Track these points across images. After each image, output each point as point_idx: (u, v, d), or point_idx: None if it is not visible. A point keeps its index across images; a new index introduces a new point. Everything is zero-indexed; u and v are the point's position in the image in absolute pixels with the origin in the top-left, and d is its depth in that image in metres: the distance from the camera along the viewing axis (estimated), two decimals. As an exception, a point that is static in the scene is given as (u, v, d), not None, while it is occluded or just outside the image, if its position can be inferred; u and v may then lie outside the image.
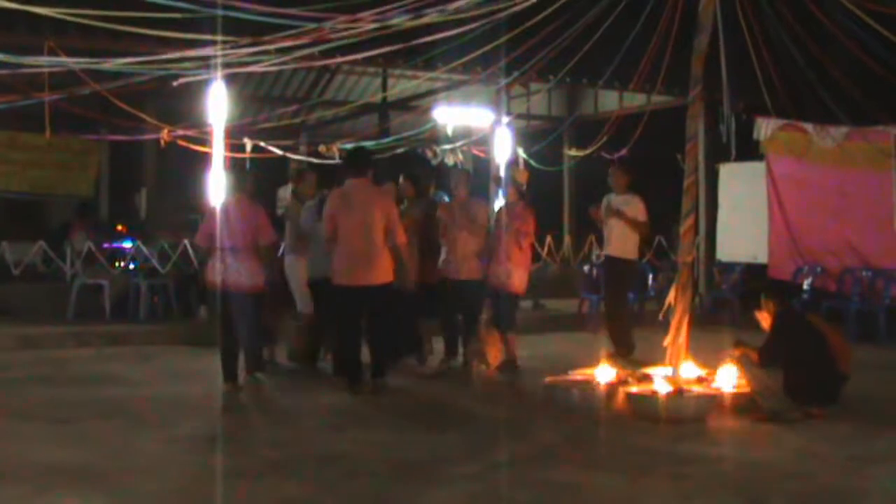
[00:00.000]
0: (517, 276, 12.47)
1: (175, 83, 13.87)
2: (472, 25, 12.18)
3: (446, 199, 13.27)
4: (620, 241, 13.08)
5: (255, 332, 11.33)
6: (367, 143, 18.61)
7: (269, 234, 11.28)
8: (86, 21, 10.82)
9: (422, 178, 13.22)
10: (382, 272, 10.94)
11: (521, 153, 20.04)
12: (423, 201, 12.86)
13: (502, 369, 12.33)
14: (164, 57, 12.41)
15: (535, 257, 17.95)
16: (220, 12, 11.07)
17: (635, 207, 13.02)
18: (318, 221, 11.70)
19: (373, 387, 10.86)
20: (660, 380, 10.05)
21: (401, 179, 12.92)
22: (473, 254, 12.37)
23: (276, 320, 12.50)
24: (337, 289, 10.99)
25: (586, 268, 19.21)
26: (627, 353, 12.75)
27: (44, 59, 13.05)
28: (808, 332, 10.06)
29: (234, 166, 12.80)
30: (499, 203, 14.62)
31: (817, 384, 9.70)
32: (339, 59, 14.48)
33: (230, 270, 11.03)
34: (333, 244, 10.98)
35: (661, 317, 10.88)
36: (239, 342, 11.16)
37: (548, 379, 10.67)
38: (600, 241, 19.75)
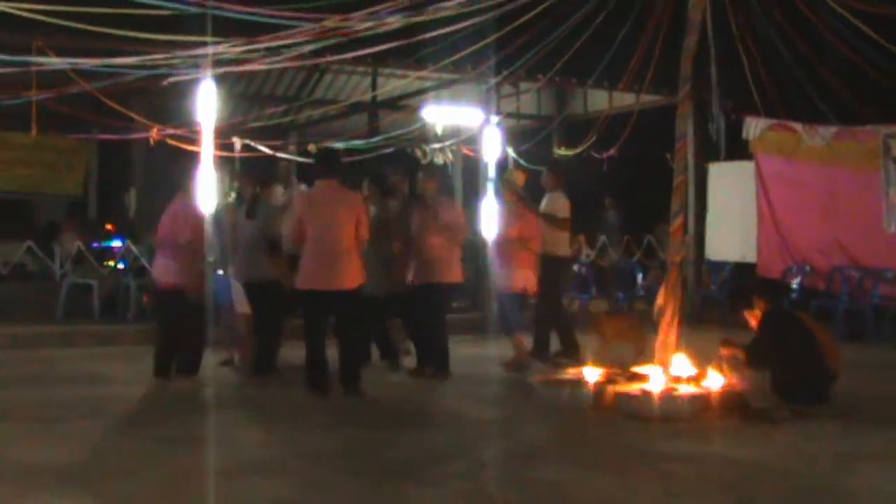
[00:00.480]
0: (519, 276, 12.46)
1: (164, 82, 13.86)
2: (462, 24, 12.17)
3: None
4: (547, 239, 13.27)
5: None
6: (357, 143, 18.62)
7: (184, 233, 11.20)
8: (71, 24, 10.79)
9: (390, 176, 13.10)
10: (351, 276, 10.73)
11: (511, 152, 20.04)
12: (389, 201, 12.77)
13: (512, 368, 12.31)
14: (153, 56, 12.40)
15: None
16: (209, 11, 11.05)
17: (554, 204, 13.19)
18: (250, 221, 11.82)
19: (348, 396, 10.59)
20: (649, 379, 10.06)
21: (365, 185, 12.83)
22: (439, 257, 12.08)
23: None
24: (304, 293, 10.76)
25: (575, 267, 19.22)
26: (572, 354, 12.94)
27: (36, 59, 13.05)
28: (796, 330, 10.09)
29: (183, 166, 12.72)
30: (490, 203, 14.64)
31: (805, 382, 9.74)
32: (329, 59, 14.47)
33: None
34: (299, 247, 10.77)
35: (653, 319, 10.88)
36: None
37: (536, 377, 10.67)
38: (589, 241, 19.90)
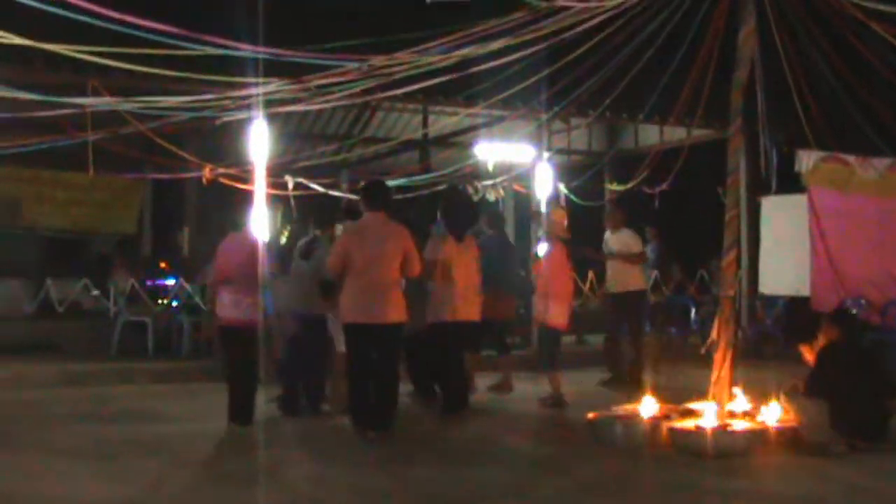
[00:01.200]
0: (555, 311, 12.45)
1: (217, 122, 13.99)
2: (512, 56, 12.17)
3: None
4: (620, 275, 13.80)
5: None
6: (410, 180, 18.67)
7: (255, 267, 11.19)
8: (128, 66, 10.92)
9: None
10: (397, 310, 10.64)
11: (563, 188, 20.02)
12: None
13: (547, 404, 12.31)
14: (205, 97, 12.52)
15: (578, 292, 17.90)
16: (261, 55, 11.15)
17: (627, 240, 13.84)
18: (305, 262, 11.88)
19: (378, 433, 10.42)
20: (704, 414, 10.00)
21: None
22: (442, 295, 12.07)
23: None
24: (348, 326, 10.65)
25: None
26: (621, 382, 13.03)
27: (87, 100, 13.21)
28: (857, 363, 9.99)
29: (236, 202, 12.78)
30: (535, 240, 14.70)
31: (863, 417, 9.63)
32: (379, 96, 14.51)
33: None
34: (340, 278, 10.68)
35: (703, 351, 10.83)
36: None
37: (590, 414, 10.60)
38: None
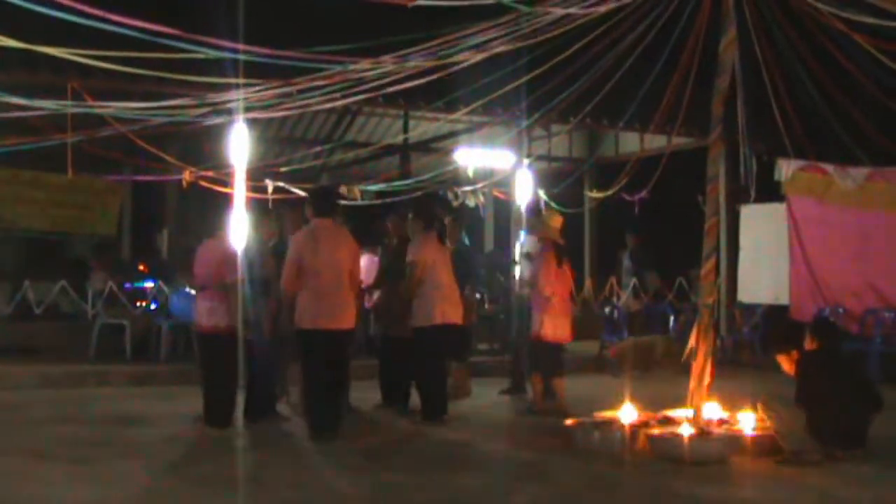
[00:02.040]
0: (544, 323, 12.42)
1: (200, 124, 13.96)
2: (494, 51, 12.15)
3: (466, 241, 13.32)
4: None
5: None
6: (390, 185, 18.66)
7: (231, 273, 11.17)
8: (108, 66, 10.88)
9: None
10: (351, 316, 10.74)
11: (542, 195, 20.04)
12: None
13: (550, 413, 12.26)
14: (185, 102, 12.49)
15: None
16: (241, 57, 11.12)
17: None
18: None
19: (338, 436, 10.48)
20: (682, 422, 10.03)
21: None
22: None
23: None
24: (306, 333, 10.61)
25: (607, 310, 19.21)
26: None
27: (67, 103, 13.17)
28: (836, 372, 10.03)
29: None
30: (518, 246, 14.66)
31: (840, 426, 9.65)
32: (357, 98, 14.48)
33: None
34: (297, 287, 10.62)
35: (683, 359, 10.86)
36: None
37: (569, 421, 10.62)
38: (620, 283, 19.88)
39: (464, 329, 12.76)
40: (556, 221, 13.12)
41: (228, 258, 11.21)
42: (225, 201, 12.96)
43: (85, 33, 9.27)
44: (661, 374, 15.58)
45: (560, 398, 12.40)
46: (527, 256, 13.66)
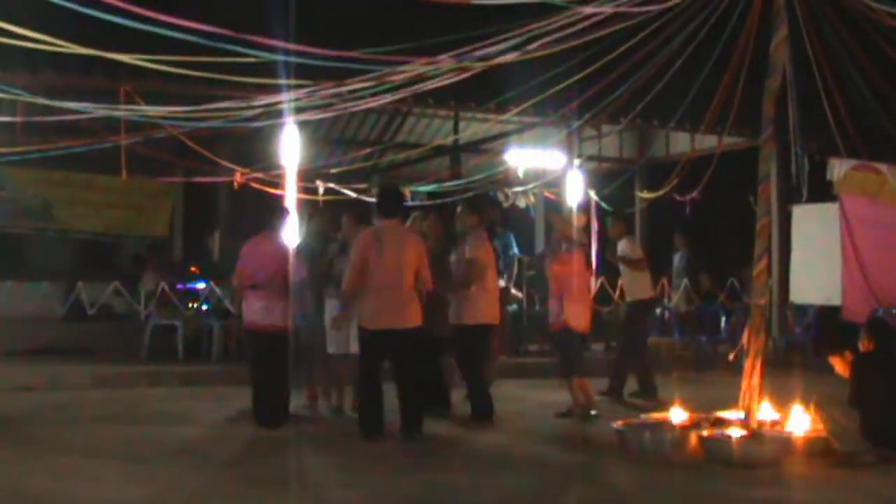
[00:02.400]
0: (568, 313, 12.24)
1: (253, 125, 14.01)
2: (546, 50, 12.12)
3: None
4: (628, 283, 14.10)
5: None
6: (441, 185, 18.67)
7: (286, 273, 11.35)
8: (161, 67, 10.94)
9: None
10: (413, 316, 10.68)
11: (593, 195, 19.98)
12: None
13: (572, 415, 12.22)
14: (237, 105, 12.55)
15: (608, 300, 17.87)
16: (293, 59, 11.16)
17: (626, 248, 14.10)
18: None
19: (406, 440, 10.47)
20: (733, 423, 9.97)
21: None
22: (463, 297, 11.99)
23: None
24: (366, 332, 10.68)
25: (658, 310, 19.12)
26: (649, 397, 13.22)
27: (120, 108, 13.29)
28: (892, 374, 9.94)
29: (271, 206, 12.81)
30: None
31: (894, 427, 9.56)
32: (409, 92, 14.49)
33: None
34: (360, 286, 10.65)
35: (730, 358, 10.80)
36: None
37: (618, 422, 10.57)
38: (671, 283, 19.78)
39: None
40: (580, 220, 13.13)
41: (285, 257, 11.32)
42: (275, 201, 13.02)
43: (135, 37, 9.35)
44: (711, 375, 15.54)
45: (588, 397, 12.31)
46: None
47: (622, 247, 14.09)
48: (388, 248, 10.63)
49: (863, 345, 10.20)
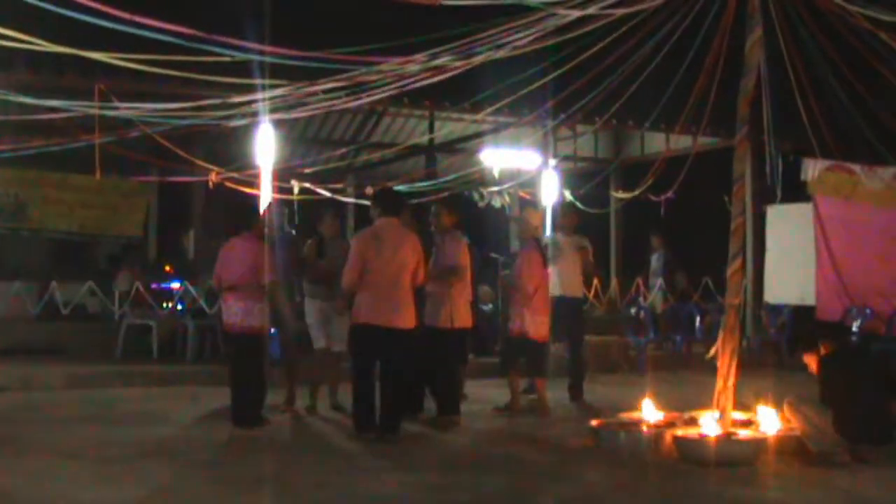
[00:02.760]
0: (525, 320, 12.43)
1: (228, 124, 13.97)
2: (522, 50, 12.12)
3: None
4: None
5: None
6: (415, 185, 18.65)
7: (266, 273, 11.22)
8: (135, 66, 10.90)
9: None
10: (408, 317, 10.68)
11: (568, 195, 20.00)
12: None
13: (506, 410, 12.43)
14: (211, 102, 12.52)
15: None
16: (267, 59, 11.14)
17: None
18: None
19: (383, 438, 10.43)
20: (707, 423, 9.99)
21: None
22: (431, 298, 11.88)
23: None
24: (359, 328, 10.68)
25: (633, 310, 19.16)
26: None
27: (94, 105, 13.23)
28: (859, 368, 10.01)
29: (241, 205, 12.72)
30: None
31: (868, 425, 9.62)
32: (384, 95, 14.48)
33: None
34: (358, 285, 10.64)
35: (707, 357, 10.84)
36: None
37: (593, 422, 10.59)
38: (647, 284, 19.83)
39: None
40: (537, 219, 13.09)
41: (264, 258, 11.23)
42: (252, 202, 12.97)
43: (110, 36, 9.32)
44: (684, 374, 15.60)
45: (543, 399, 12.52)
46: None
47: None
48: (387, 247, 10.63)
49: (823, 348, 10.27)
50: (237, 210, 12.21)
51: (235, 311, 11.27)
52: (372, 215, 11.11)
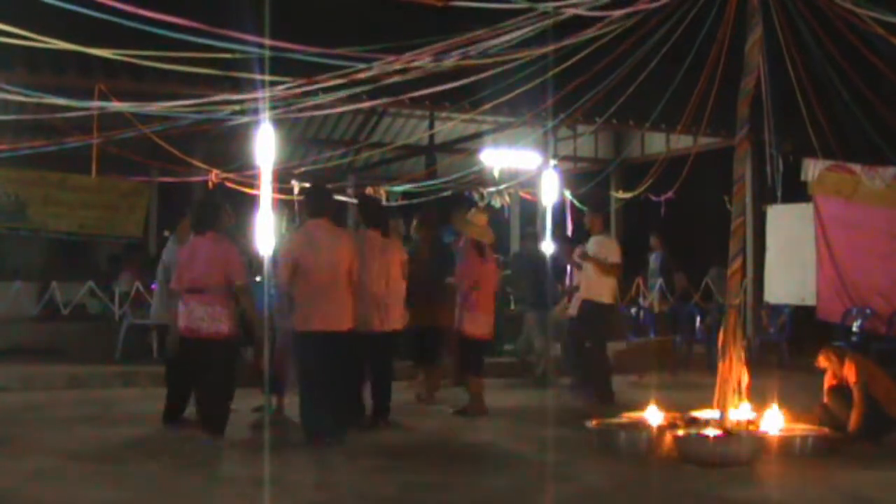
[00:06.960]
0: (464, 319, 12.44)
1: (226, 123, 13.95)
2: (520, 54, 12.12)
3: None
4: (592, 284, 13.46)
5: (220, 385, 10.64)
6: (416, 185, 18.66)
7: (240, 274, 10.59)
8: (135, 61, 10.87)
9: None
10: (348, 318, 10.46)
11: (568, 195, 19.97)
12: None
13: (463, 412, 12.36)
14: (211, 99, 12.49)
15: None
16: (266, 53, 11.10)
17: (603, 248, 13.46)
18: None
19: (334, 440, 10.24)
20: (708, 423, 9.99)
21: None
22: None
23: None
24: (301, 335, 10.38)
25: (633, 310, 19.14)
26: (605, 401, 12.96)
27: (94, 104, 13.21)
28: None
29: (206, 202, 12.23)
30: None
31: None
32: (387, 100, 14.51)
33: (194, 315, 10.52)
34: (291, 287, 10.44)
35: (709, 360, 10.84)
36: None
37: (594, 422, 10.57)
38: (647, 284, 19.81)
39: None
40: (481, 220, 13.06)
41: (233, 259, 10.60)
42: (217, 201, 12.56)
43: (111, 34, 9.30)
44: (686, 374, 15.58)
45: (478, 399, 12.48)
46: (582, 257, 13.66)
47: (597, 247, 13.66)
48: (320, 247, 10.44)
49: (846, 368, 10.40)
50: (202, 209, 11.56)
51: (200, 316, 10.49)
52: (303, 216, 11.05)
